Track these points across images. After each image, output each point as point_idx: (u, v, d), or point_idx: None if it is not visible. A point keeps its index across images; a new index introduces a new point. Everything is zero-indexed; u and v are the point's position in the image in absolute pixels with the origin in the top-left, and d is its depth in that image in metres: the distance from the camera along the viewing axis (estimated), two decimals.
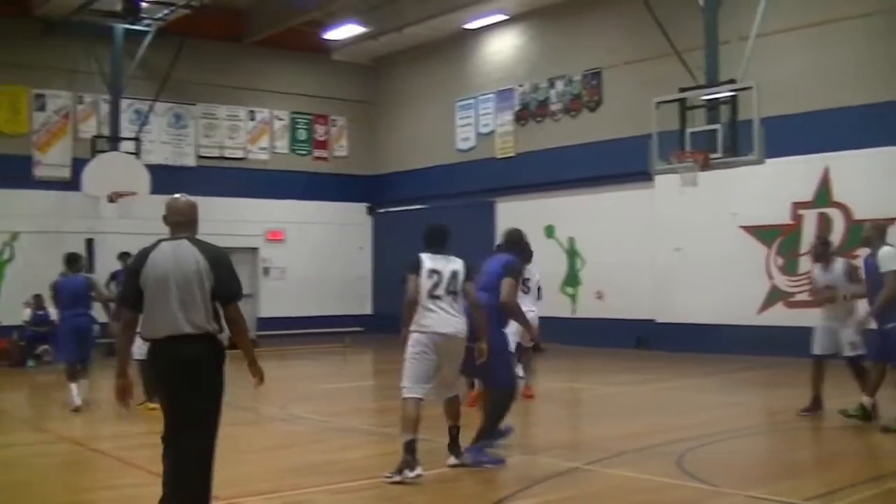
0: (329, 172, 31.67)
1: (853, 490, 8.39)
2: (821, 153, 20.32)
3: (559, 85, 26.52)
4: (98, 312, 15.99)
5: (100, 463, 10.60)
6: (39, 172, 26.05)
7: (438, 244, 9.46)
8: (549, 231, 24.47)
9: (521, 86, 27.60)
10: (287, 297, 29.68)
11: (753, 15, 17.77)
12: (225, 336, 6.84)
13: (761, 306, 21.35)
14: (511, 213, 26.09)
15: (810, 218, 20.58)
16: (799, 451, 11.30)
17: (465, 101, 29.32)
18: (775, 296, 21.10)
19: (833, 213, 20.28)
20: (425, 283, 9.20)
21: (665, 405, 15.02)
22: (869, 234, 12.06)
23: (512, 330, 15.78)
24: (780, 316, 20.34)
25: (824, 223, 20.18)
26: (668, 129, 18.36)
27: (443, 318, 9.14)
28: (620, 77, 24.73)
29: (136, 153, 25.81)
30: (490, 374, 9.76)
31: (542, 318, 14.31)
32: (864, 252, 16.66)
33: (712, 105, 18.23)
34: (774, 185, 20.51)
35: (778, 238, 21.22)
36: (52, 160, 26.23)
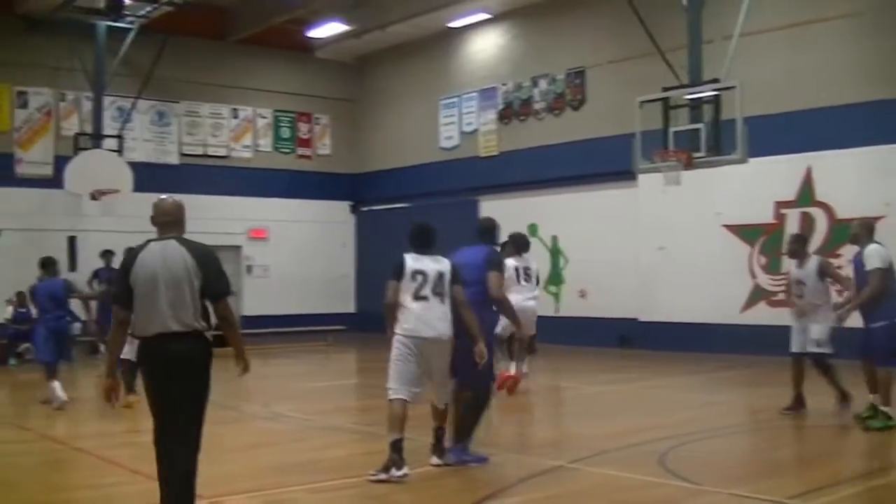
0: (312, 171, 31.63)
1: (835, 488, 8.43)
2: (804, 153, 20.38)
3: (543, 84, 26.53)
4: (80, 310, 15.99)
5: (81, 461, 10.56)
6: (21, 170, 25.91)
7: (424, 244, 9.36)
8: (533, 230, 24.46)
9: (504, 84, 27.60)
10: (270, 295, 29.63)
11: (737, 14, 17.79)
12: (209, 334, 6.93)
13: (744, 305, 21.40)
14: (495, 212, 25.86)
15: (793, 217, 20.62)
16: (781, 449, 11.33)
17: (449, 100, 29.31)
18: (758, 295, 21.15)
19: (816, 212, 20.33)
20: (409, 284, 9.12)
21: (648, 404, 15.05)
22: (857, 231, 12.07)
23: (503, 322, 16.33)
24: (762, 315, 20.37)
25: (807, 222, 20.24)
26: (651, 128, 18.37)
27: (426, 321, 9.06)
28: (604, 76, 24.75)
29: (119, 151, 25.76)
30: (467, 374, 9.54)
31: None
32: (846, 251, 16.78)
33: (695, 104, 18.25)
34: (757, 184, 20.56)
35: (761, 237, 21.26)
36: (35, 158, 26.10)
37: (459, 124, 28.98)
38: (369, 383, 17.76)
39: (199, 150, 29.39)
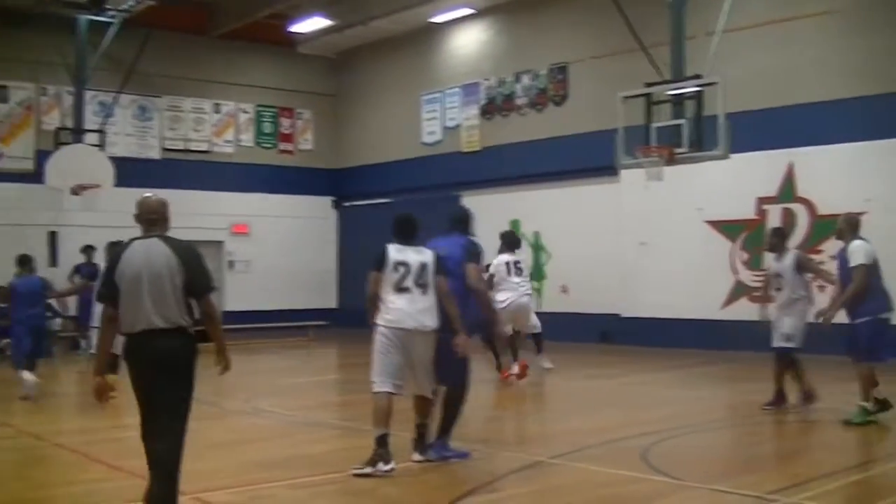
0: (294, 166, 31.60)
1: (815, 483, 8.45)
2: (785, 149, 20.45)
3: (525, 79, 26.54)
4: (62, 306, 15.98)
5: (62, 458, 10.51)
6: (2, 165, 25.78)
7: (407, 235, 9.32)
8: (515, 225, 24.44)
9: (486, 80, 27.60)
10: (252, 290, 29.60)
11: (719, 11, 17.84)
12: (193, 330, 6.99)
13: (725, 301, 21.45)
14: (477, 207, 25.75)
15: (775, 213, 20.67)
16: (762, 444, 11.37)
17: (431, 95, 29.29)
18: (740, 290, 21.20)
19: (797, 208, 20.40)
20: (391, 275, 9.08)
21: (629, 399, 15.07)
22: (842, 227, 12.03)
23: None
24: (744, 310, 20.40)
25: (788, 218, 20.30)
26: (633, 123, 18.41)
27: (407, 313, 9.03)
28: (586, 72, 24.76)
29: (101, 145, 25.62)
30: (442, 370, 9.48)
31: None
32: (828, 246, 16.86)
33: (678, 100, 18.29)
34: (739, 180, 20.62)
35: (742, 233, 21.32)
36: (15, 152, 25.99)
37: (442, 119, 28.97)
38: (351, 379, 17.77)
39: (181, 145, 29.33)
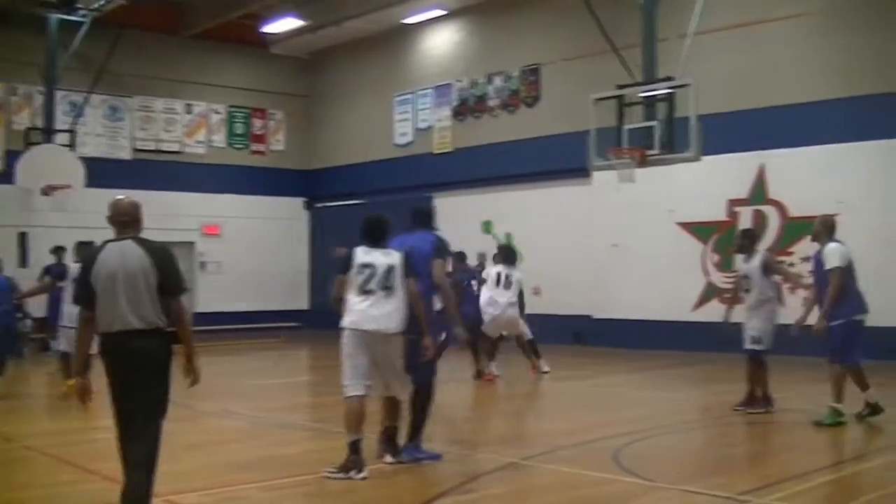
0: (266, 167, 31.54)
1: (786, 484, 8.48)
2: (757, 151, 20.57)
3: (497, 81, 26.57)
4: (32, 307, 15.92)
5: (32, 460, 10.43)
6: None
7: (376, 237, 9.25)
8: (487, 226, 24.49)
9: (459, 81, 27.62)
10: (223, 291, 29.53)
11: (691, 13, 17.90)
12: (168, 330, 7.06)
13: (697, 302, 21.54)
14: (449, 209, 25.99)
15: (746, 215, 20.78)
16: (733, 445, 11.40)
17: (403, 96, 29.29)
18: (711, 292, 21.28)
19: (768, 210, 20.51)
20: (356, 278, 9.02)
21: (602, 400, 15.11)
22: (817, 228, 11.97)
23: (485, 300, 16.84)
24: (715, 312, 20.32)
25: (760, 220, 20.40)
26: (605, 125, 18.42)
27: (370, 315, 8.94)
28: (558, 73, 24.82)
29: (71, 146, 25.44)
30: (411, 370, 9.44)
31: None
32: (799, 248, 16.98)
33: (650, 102, 18.33)
34: (710, 182, 20.70)
35: (714, 235, 21.41)
36: None
37: (414, 121, 28.98)
38: (322, 380, 17.72)
39: (153, 146, 29.24)
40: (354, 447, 8.86)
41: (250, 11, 27.47)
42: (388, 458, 9.40)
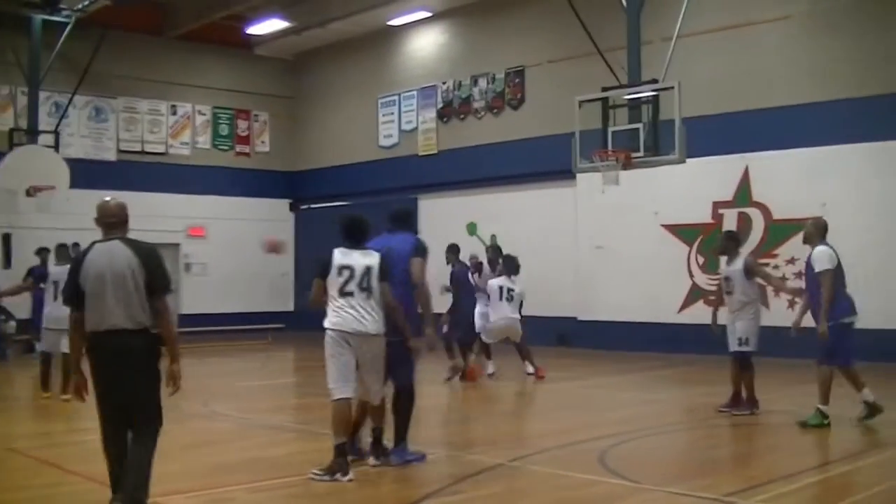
0: (251, 168, 31.53)
1: (772, 486, 8.49)
2: (741, 153, 20.63)
3: (482, 83, 26.60)
4: (16, 309, 15.88)
5: (14, 462, 10.35)
6: None
7: (355, 237, 9.21)
8: (472, 229, 24.45)
9: (444, 83, 27.64)
10: (208, 293, 29.48)
11: (676, 16, 17.90)
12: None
13: (682, 304, 21.58)
14: (434, 211, 26.13)
15: (730, 217, 20.83)
16: (718, 447, 11.42)
17: (388, 98, 29.30)
18: (696, 294, 21.33)
19: (753, 212, 20.56)
20: (335, 279, 9.00)
21: (587, 402, 15.13)
22: (809, 231, 11.98)
23: (479, 311, 17.29)
24: (700, 314, 20.48)
25: (744, 222, 20.45)
26: (590, 127, 18.41)
27: (351, 317, 8.93)
28: (543, 75, 24.85)
29: (55, 147, 25.34)
30: (391, 372, 9.45)
31: None
32: (783, 250, 17.04)
33: (634, 104, 18.30)
34: (695, 184, 20.76)
35: (698, 237, 21.45)
36: None
37: (399, 122, 28.99)
38: (308, 381, 17.72)
39: (137, 147, 29.21)
40: (340, 450, 8.84)
41: (235, 12, 27.44)
42: (373, 461, 9.39)
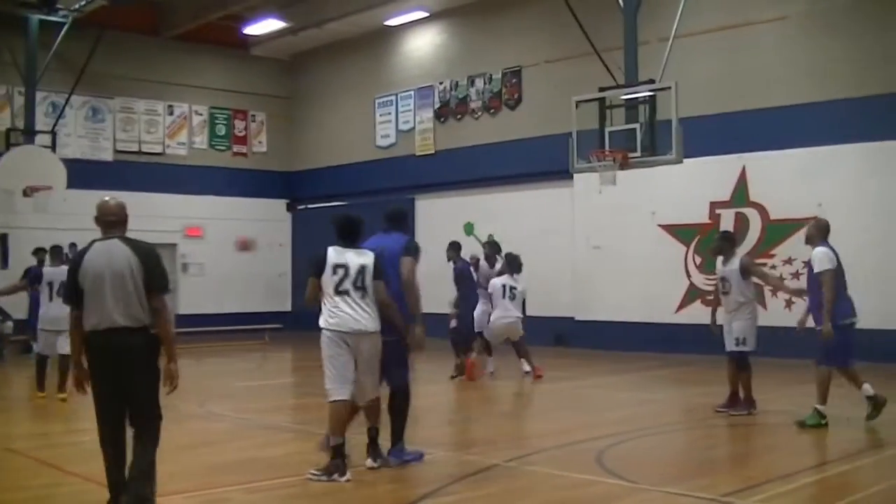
0: (248, 168, 31.51)
1: (769, 486, 8.49)
2: (738, 153, 20.63)
3: (479, 83, 26.59)
4: (13, 309, 15.87)
5: (12, 463, 10.35)
6: None
7: (349, 237, 9.19)
8: (469, 229, 24.38)
9: (441, 83, 27.63)
10: (206, 293, 29.47)
11: (673, 16, 17.90)
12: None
13: (679, 304, 21.58)
14: (431, 211, 26.17)
15: (728, 217, 20.82)
16: (716, 447, 11.43)
17: (385, 98, 29.29)
18: (693, 294, 21.33)
19: (750, 212, 20.55)
20: (330, 279, 8.98)
21: (584, 402, 15.13)
22: (811, 232, 11.98)
23: (479, 309, 17.38)
24: (697, 314, 20.50)
25: (741, 222, 20.44)
26: (587, 127, 18.41)
27: (348, 316, 8.92)
28: (540, 75, 24.85)
29: (52, 147, 25.35)
30: (386, 372, 9.44)
31: None
32: (780, 250, 17.02)
33: (631, 105, 18.31)
34: (692, 184, 20.76)
35: (696, 237, 21.45)
36: None
37: (396, 123, 28.98)
38: (306, 382, 17.72)
39: (134, 147, 29.18)
40: (338, 451, 8.84)
41: (231, 13, 27.43)
42: (370, 462, 9.37)
